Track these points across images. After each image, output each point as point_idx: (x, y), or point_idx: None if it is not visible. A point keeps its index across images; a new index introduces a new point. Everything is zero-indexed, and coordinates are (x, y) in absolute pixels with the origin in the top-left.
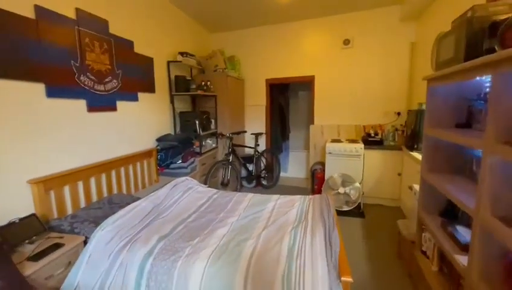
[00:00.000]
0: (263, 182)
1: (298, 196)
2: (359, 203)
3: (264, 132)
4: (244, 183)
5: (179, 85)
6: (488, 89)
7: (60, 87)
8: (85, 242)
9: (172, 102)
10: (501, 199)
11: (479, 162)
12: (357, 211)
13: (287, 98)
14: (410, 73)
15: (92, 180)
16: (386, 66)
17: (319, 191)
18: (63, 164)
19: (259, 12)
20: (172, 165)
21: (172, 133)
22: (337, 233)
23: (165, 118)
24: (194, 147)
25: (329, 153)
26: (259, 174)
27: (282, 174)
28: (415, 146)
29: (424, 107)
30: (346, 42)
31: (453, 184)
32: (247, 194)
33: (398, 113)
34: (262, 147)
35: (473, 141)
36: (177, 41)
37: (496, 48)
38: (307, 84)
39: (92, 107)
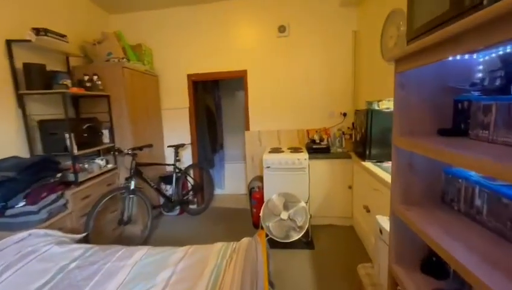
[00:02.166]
0: (190, 207)
1: (217, 247)
2: (307, 229)
3: (189, 142)
4: (165, 211)
5: (34, 79)
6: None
7: None
8: None
9: (21, 105)
10: None
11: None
12: (305, 241)
13: (217, 99)
14: (355, 67)
15: None
16: (327, 59)
17: (257, 220)
18: None
19: None
20: (8, 212)
21: (28, 154)
22: None
23: (4, 131)
24: (59, 175)
25: (268, 167)
26: (182, 198)
27: (218, 191)
28: (367, 153)
29: (376, 106)
30: (282, 29)
31: (438, 225)
32: (134, 252)
33: (344, 114)
34: (187, 161)
35: (468, 160)
36: (37, 14)
37: None
38: (242, 81)
39: None
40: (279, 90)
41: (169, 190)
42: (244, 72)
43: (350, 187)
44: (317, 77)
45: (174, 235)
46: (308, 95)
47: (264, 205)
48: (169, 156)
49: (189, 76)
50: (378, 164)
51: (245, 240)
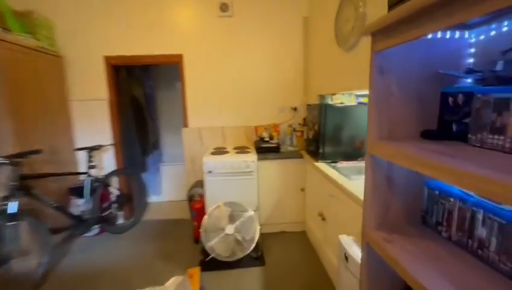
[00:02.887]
0: (115, 223)
1: None
2: (257, 243)
3: (111, 142)
4: (76, 233)
5: None
6: None
7: None
8: None
9: None
10: None
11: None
12: (255, 256)
13: (148, 90)
14: (306, 57)
15: None
16: (276, 47)
17: (198, 234)
18: None
19: None
20: None
21: None
22: None
23: None
24: None
25: (209, 172)
26: (101, 214)
27: (153, 199)
28: (321, 152)
29: (329, 101)
30: (224, 7)
31: (427, 261)
32: None
33: (295, 109)
34: (109, 166)
35: (476, 180)
36: None
37: None
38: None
39: None
40: (223, 80)
41: (81, 205)
42: (180, 57)
43: (303, 190)
44: (265, 66)
45: (88, 264)
46: (256, 87)
47: (205, 218)
48: (84, 161)
49: (107, 59)
50: (333, 164)
51: (172, 284)
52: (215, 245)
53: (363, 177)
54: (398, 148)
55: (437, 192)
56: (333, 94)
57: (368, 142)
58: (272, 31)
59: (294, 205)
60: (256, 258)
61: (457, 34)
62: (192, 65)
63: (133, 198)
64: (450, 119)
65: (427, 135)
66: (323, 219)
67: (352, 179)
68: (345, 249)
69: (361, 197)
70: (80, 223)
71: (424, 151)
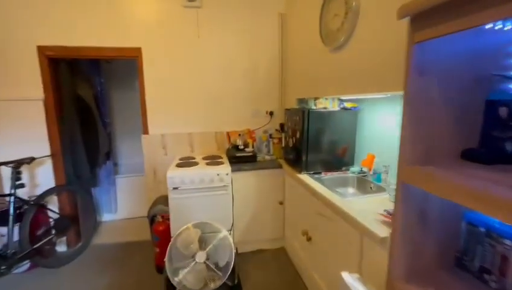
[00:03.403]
0: (53, 254)
1: None
2: (233, 267)
3: (48, 153)
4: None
5: None
6: None
7: None
8: None
9: None
10: None
11: None
12: (231, 284)
13: (98, 89)
14: (283, 56)
15: None
16: (249, 43)
17: (161, 262)
18: None
19: None
20: None
21: None
22: None
23: None
24: None
25: (175, 188)
26: (32, 246)
27: (108, 217)
28: (304, 162)
29: (312, 105)
30: None
31: None
32: None
33: (271, 113)
34: (47, 183)
35: None
36: None
37: None
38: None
39: None
40: (189, 79)
41: (5, 235)
42: (138, 50)
43: (281, 203)
44: (238, 65)
45: None
46: (228, 89)
47: (170, 245)
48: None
49: (41, 50)
50: (316, 176)
51: None
52: (184, 277)
53: (353, 192)
54: (438, 175)
55: (483, 229)
56: (316, 98)
57: (399, 167)
58: (245, 27)
59: (272, 220)
60: (232, 287)
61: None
62: (153, 61)
63: (79, 220)
64: (500, 136)
65: (470, 156)
66: (309, 239)
67: (343, 195)
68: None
69: (359, 219)
70: (3, 261)
71: (472, 179)
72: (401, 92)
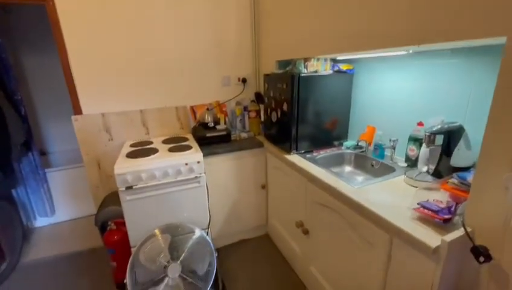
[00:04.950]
0: None
1: None
2: (216, 273)
3: None
4: None
5: None
6: None
7: None
8: None
9: None
10: None
11: None
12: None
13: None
14: (256, 7)
15: None
16: None
17: (122, 278)
18: None
19: None
20: None
21: None
22: None
23: None
24: None
25: (128, 187)
26: None
27: (45, 221)
28: (294, 140)
29: (302, 68)
30: None
31: None
32: None
33: (243, 80)
34: None
35: None
36: None
37: None
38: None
39: None
40: (137, 42)
41: None
42: None
43: (264, 187)
44: (201, 19)
45: None
46: (189, 52)
47: (131, 261)
48: None
49: None
50: (309, 155)
51: None
52: None
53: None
54: None
55: None
56: (306, 60)
57: None
58: None
59: (254, 207)
60: None
61: None
62: (78, 12)
63: None
64: None
65: None
66: (306, 233)
67: (350, 181)
68: None
69: (389, 218)
70: None
71: None
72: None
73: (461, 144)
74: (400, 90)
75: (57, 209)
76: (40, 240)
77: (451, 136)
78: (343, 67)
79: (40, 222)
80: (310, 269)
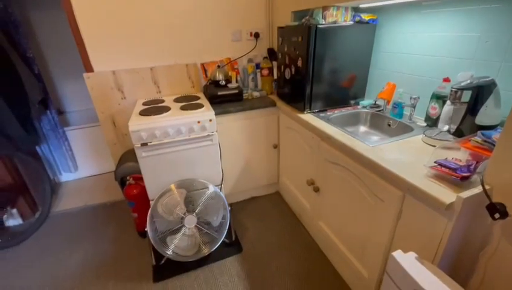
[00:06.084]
0: (6, 230)
1: None
2: (229, 225)
3: None
4: None
5: None
6: None
7: None
8: None
9: None
10: None
11: None
12: (228, 241)
13: (10, 15)
14: None
15: None
16: None
17: (143, 227)
18: None
19: None
20: None
21: None
22: None
23: None
24: None
25: (143, 144)
26: None
27: (69, 176)
28: (308, 99)
29: (319, 19)
30: None
31: None
32: None
33: (256, 35)
34: None
35: None
36: None
37: None
38: None
39: None
40: None
41: None
42: None
43: (275, 146)
44: None
45: None
46: (199, 4)
47: (150, 212)
48: None
49: None
50: (322, 114)
51: None
52: (173, 247)
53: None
54: None
55: None
56: (325, 9)
57: None
58: None
59: (265, 166)
60: (229, 244)
61: None
62: None
63: (28, 187)
64: None
65: None
66: (317, 191)
67: (366, 140)
68: (414, 281)
69: (405, 175)
70: None
71: None
72: None
73: (490, 101)
74: (427, 43)
75: (80, 166)
76: (67, 193)
77: (480, 93)
78: (366, 17)
79: (65, 177)
80: (318, 223)
